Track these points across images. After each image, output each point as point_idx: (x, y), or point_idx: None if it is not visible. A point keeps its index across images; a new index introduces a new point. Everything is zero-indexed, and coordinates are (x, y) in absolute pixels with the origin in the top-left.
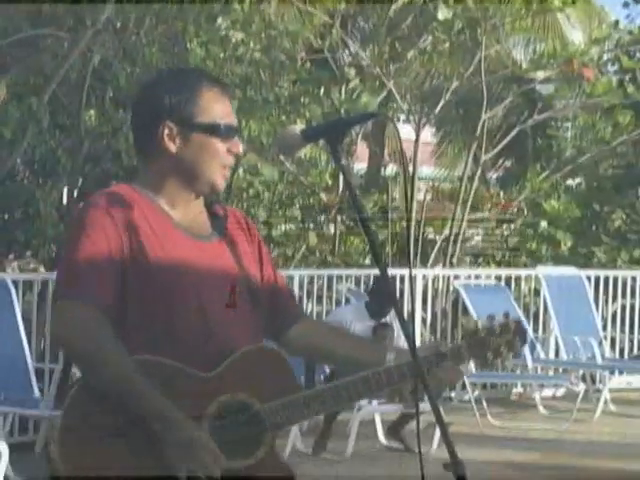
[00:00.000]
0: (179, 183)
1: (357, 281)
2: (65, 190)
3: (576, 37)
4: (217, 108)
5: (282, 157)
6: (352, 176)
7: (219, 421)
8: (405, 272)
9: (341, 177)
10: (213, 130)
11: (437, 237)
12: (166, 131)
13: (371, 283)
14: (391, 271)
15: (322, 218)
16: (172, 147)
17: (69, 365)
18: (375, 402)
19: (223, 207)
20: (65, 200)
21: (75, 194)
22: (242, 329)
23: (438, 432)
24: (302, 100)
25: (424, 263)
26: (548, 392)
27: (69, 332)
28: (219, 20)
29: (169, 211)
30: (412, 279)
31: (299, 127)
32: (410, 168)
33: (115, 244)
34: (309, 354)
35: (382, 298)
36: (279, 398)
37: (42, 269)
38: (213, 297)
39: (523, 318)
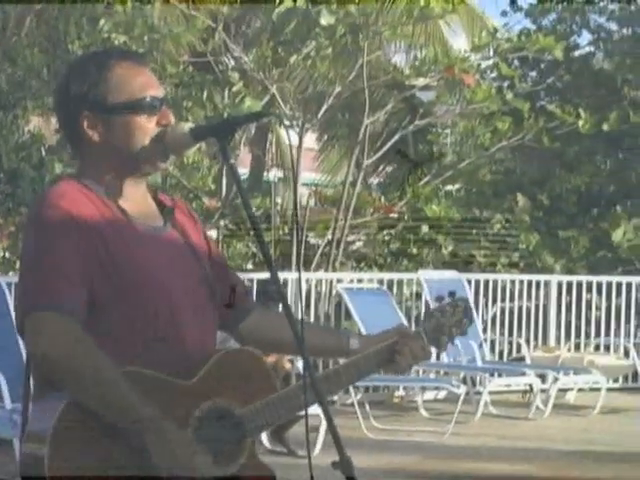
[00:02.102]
0: (119, 171)
1: None
2: None
3: (457, 44)
4: (134, 82)
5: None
6: (239, 176)
7: (202, 429)
8: (287, 276)
9: (224, 182)
10: (135, 106)
11: (319, 241)
12: (85, 121)
13: (257, 286)
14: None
15: (205, 223)
16: (96, 136)
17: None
18: None
19: (169, 197)
20: None
21: None
22: (207, 326)
23: (321, 436)
24: (185, 104)
25: (307, 267)
26: (430, 395)
27: (52, 347)
28: (101, 22)
29: (121, 204)
30: (300, 282)
31: (187, 125)
32: (293, 174)
33: (80, 247)
34: (266, 344)
35: (268, 300)
36: (257, 399)
37: None
38: (179, 295)
39: (404, 321)
